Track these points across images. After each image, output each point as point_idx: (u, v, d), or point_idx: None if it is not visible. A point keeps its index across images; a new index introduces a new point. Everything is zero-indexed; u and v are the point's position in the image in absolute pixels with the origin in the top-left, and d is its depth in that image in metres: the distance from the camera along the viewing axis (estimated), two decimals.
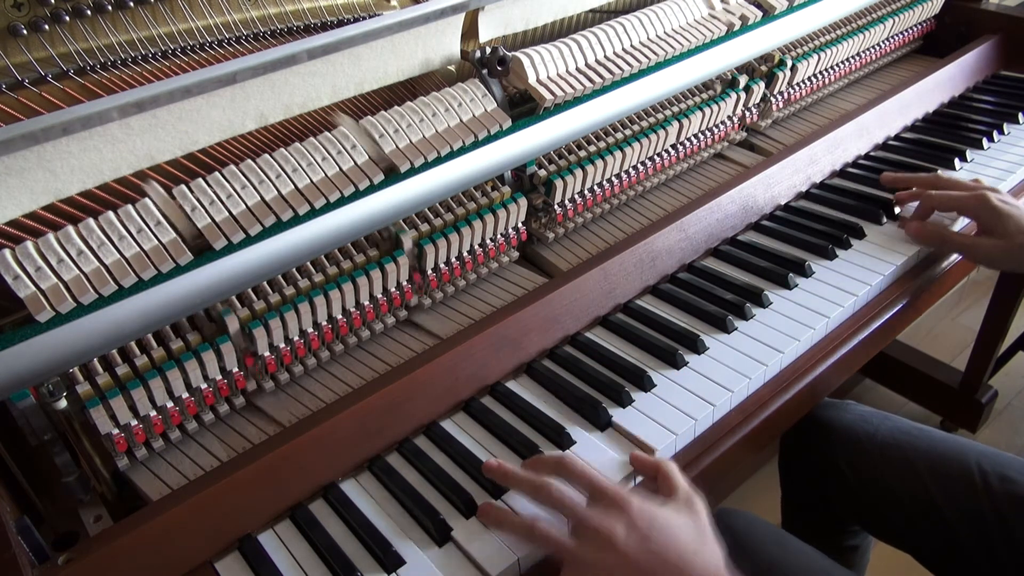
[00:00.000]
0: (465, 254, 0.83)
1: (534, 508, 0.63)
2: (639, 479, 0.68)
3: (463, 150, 0.78)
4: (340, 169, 0.71)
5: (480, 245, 0.84)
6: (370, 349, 0.79)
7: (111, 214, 0.61)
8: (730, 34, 1.01)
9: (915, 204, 0.96)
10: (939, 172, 0.96)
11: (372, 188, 0.72)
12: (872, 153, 1.13)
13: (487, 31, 0.87)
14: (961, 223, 0.98)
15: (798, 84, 1.15)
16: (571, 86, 0.85)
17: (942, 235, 0.92)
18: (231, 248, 0.65)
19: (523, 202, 0.85)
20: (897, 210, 0.99)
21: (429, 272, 0.80)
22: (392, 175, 0.74)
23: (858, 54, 1.25)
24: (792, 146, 1.05)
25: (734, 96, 1.04)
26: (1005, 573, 0.80)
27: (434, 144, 0.76)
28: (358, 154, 0.72)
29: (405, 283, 0.79)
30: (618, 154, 0.91)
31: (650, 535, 0.55)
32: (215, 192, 0.65)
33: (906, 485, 0.87)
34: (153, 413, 0.65)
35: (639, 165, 0.97)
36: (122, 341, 0.62)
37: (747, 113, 1.10)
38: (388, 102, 0.83)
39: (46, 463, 0.66)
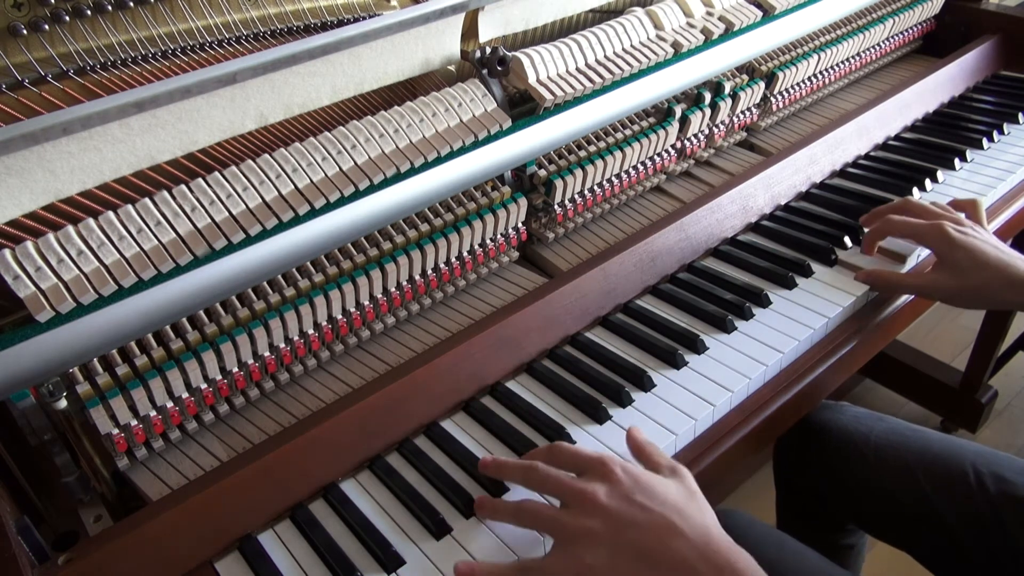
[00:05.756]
0: (465, 254, 0.83)
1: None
2: None
3: (463, 150, 0.78)
4: (340, 169, 0.71)
5: (480, 245, 0.84)
6: (370, 349, 0.79)
7: (111, 214, 0.61)
8: (730, 34, 1.01)
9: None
10: (908, 198, 0.89)
11: (372, 188, 0.72)
12: (872, 153, 1.13)
13: (487, 31, 0.87)
14: (916, 257, 0.92)
15: (798, 84, 1.15)
16: (571, 86, 0.85)
17: (891, 280, 0.85)
18: (231, 248, 0.65)
19: (523, 202, 0.85)
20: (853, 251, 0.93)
21: (429, 272, 0.81)
22: (393, 175, 0.74)
23: (858, 54, 1.25)
24: (792, 146, 1.05)
25: (732, 97, 1.04)
26: (1003, 572, 0.80)
27: (434, 144, 0.76)
28: (358, 154, 0.72)
29: (405, 283, 0.79)
30: (618, 154, 0.91)
31: (634, 491, 0.55)
32: (215, 192, 0.65)
33: (902, 486, 0.87)
34: (153, 413, 0.65)
35: (639, 165, 0.97)
36: (122, 341, 0.62)
37: (747, 113, 1.10)
38: (388, 102, 0.83)
39: (46, 463, 0.66)
